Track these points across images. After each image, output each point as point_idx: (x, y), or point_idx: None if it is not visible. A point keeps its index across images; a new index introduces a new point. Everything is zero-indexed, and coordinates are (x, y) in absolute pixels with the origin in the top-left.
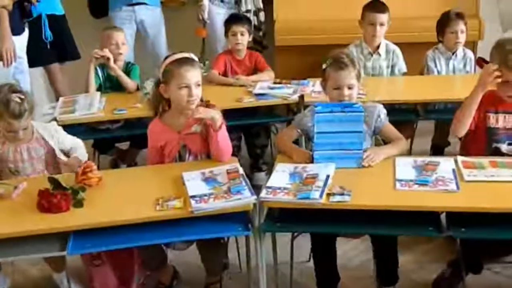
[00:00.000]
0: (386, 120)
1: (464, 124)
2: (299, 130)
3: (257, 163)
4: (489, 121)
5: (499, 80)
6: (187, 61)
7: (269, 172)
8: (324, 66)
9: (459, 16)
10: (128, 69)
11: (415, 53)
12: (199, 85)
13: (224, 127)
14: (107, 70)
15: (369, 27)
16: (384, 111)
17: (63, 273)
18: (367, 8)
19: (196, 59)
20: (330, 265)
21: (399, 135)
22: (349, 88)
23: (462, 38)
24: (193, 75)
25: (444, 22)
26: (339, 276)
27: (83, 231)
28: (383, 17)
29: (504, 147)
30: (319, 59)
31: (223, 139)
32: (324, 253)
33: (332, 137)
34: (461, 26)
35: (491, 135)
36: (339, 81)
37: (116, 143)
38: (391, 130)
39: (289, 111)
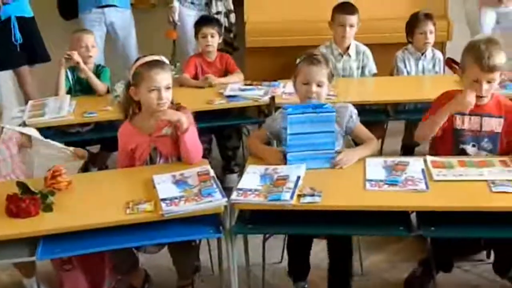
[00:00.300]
0: (357, 120)
1: (427, 136)
2: (268, 133)
3: (229, 165)
4: (455, 122)
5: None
6: (157, 64)
7: (241, 174)
8: (297, 61)
9: (428, 17)
10: (98, 72)
11: (385, 54)
12: (169, 88)
13: (193, 129)
14: (77, 73)
15: (339, 28)
16: (355, 111)
17: (33, 279)
18: (337, 9)
19: (167, 61)
20: (303, 262)
21: (370, 135)
22: (318, 85)
23: (431, 38)
24: (163, 78)
25: (413, 23)
26: (309, 267)
27: (53, 236)
28: (352, 19)
29: (469, 149)
30: (289, 60)
31: (191, 142)
32: (299, 253)
33: (305, 138)
34: (430, 26)
35: (458, 136)
36: (309, 76)
37: (86, 146)
38: (363, 130)
39: (260, 113)
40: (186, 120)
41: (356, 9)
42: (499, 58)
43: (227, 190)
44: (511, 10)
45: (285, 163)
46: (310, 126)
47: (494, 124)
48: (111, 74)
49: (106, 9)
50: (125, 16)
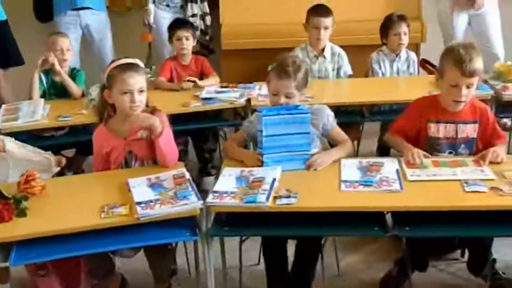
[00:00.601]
0: (334, 122)
1: None
2: (245, 136)
3: (205, 167)
4: (430, 130)
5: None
6: (130, 66)
7: (218, 177)
8: (269, 68)
9: (402, 18)
10: (73, 75)
11: (360, 56)
12: (142, 91)
13: (168, 133)
14: (51, 76)
15: (314, 30)
16: (332, 113)
17: (7, 285)
18: (311, 12)
19: (142, 64)
20: (281, 267)
21: (345, 137)
22: (287, 96)
23: (405, 40)
24: (136, 81)
25: (387, 25)
26: (290, 279)
27: (27, 241)
28: (327, 21)
29: (446, 156)
30: (265, 62)
31: (166, 145)
32: (274, 256)
33: (280, 140)
34: (403, 28)
35: (433, 144)
36: (277, 89)
37: (61, 150)
38: (339, 133)
39: (236, 115)
40: (160, 124)
41: (330, 11)
42: (479, 63)
43: (204, 193)
44: (483, 12)
45: (262, 166)
46: (285, 127)
47: (470, 130)
48: (86, 77)
49: (81, 12)
50: (101, 19)
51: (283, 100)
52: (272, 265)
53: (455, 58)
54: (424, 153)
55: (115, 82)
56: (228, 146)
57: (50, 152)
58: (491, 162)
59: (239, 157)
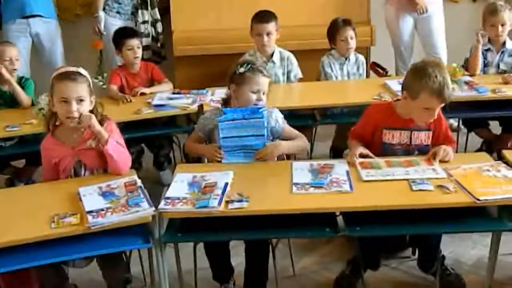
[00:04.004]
0: (284, 123)
1: None
2: (200, 134)
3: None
4: (385, 137)
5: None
6: (68, 75)
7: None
8: (242, 69)
9: (347, 23)
10: (21, 84)
11: (310, 60)
12: (81, 100)
13: (116, 140)
14: None
15: (257, 37)
16: (281, 115)
17: None
18: (253, 19)
19: (85, 73)
20: (224, 265)
21: (299, 134)
22: (264, 93)
23: (352, 43)
24: (73, 90)
25: (333, 30)
26: (233, 268)
27: None
28: (269, 27)
29: None
30: (217, 68)
31: (116, 153)
32: (218, 257)
33: (237, 141)
34: (349, 32)
35: (387, 149)
36: (259, 85)
37: (11, 161)
38: (291, 130)
39: (189, 121)
40: (104, 132)
41: (273, 16)
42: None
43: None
44: (428, 16)
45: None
46: (241, 130)
47: (423, 137)
48: (36, 86)
49: (31, 20)
50: (51, 27)
51: (263, 96)
52: (217, 267)
53: (435, 88)
54: (364, 152)
55: (54, 91)
56: (187, 145)
57: None
58: (440, 161)
59: (198, 152)
